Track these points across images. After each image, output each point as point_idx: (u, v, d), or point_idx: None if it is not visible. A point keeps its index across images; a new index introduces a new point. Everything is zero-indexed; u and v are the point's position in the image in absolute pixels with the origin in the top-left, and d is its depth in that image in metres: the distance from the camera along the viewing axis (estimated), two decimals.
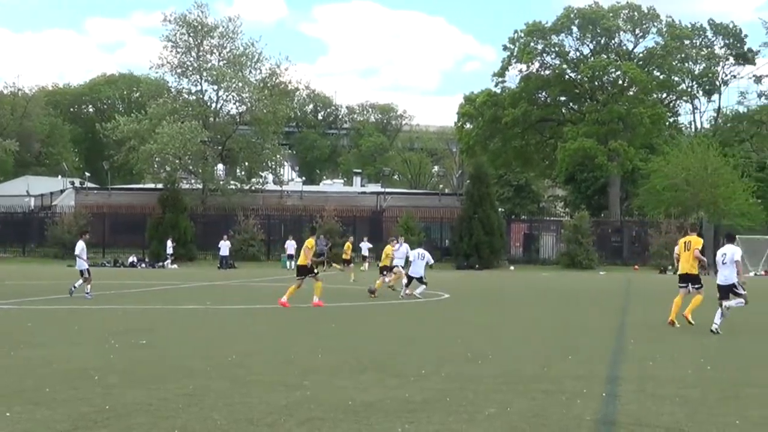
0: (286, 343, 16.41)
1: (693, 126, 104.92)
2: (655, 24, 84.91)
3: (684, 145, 78.11)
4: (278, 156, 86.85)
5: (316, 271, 26.06)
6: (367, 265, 60.99)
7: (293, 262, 60.40)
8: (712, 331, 19.21)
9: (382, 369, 12.80)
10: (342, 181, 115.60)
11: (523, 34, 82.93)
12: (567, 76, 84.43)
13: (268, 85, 79.67)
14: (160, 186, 74.14)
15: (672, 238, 66.64)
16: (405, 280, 30.61)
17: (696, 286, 21.50)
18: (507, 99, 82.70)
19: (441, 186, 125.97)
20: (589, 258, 67.54)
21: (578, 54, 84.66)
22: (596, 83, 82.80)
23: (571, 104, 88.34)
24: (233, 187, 78.68)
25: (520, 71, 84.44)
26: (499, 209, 76.76)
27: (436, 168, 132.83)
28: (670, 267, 65.20)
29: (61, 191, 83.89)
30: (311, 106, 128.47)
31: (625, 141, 78.97)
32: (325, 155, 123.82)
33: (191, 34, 77.06)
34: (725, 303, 19.89)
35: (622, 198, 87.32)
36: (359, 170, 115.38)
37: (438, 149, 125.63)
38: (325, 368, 12.81)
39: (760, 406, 10.25)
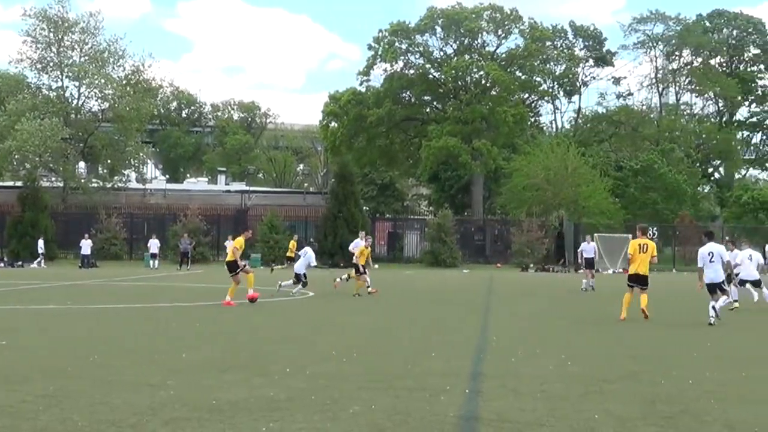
0: (150, 343, 16.17)
1: (554, 126, 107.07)
2: (518, 25, 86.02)
3: (545, 144, 79.46)
4: (141, 154, 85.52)
5: (243, 264, 26.14)
6: None
7: (156, 261, 59.80)
8: (710, 324, 20.48)
9: (247, 368, 12.72)
10: (206, 179, 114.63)
11: (387, 34, 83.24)
12: (431, 76, 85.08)
13: (132, 81, 78.48)
14: (19, 184, 72.47)
15: (533, 237, 68.01)
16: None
17: (643, 286, 22.13)
18: (372, 98, 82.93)
19: (306, 185, 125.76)
20: (453, 256, 68.24)
21: (442, 54, 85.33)
22: (460, 83, 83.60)
23: (435, 103, 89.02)
24: (95, 185, 77.40)
25: (385, 70, 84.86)
26: (364, 208, 76.98)
27: (301, 166, 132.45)
28: (531, 265, 66.51)
29: None
30: (175, 103, 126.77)
31: (488, 140, 79.92)
32: (190, 153, 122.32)
33: (52, 29, 75.38)
34: (712, 303, 20.95)
35: (485, 197, 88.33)
36: (224, 169, 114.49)
37: (303, 148, 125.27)
38: (189, 368, 12.68)
39: (619, 401, 10.46)
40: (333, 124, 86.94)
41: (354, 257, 32.88)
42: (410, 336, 18.17)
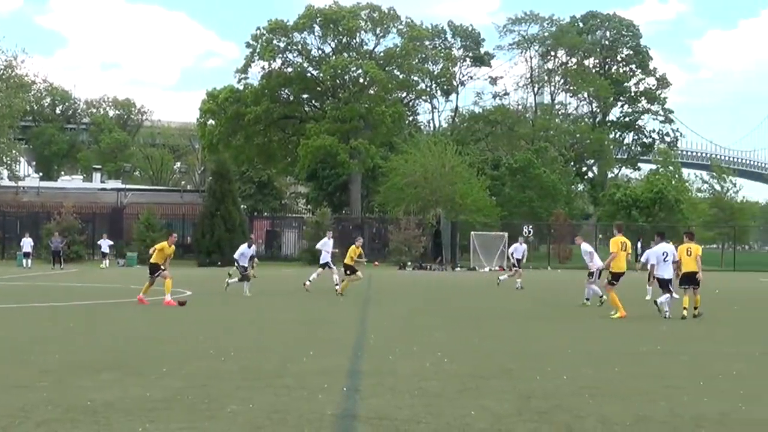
0: (22, 344, 15.82)
1: (432, 125, 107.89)
2: (396, 25, 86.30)
3: (423, 143, 79.98)
4: (14, 151, 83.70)
5: (162, 267, 25.69)
6: (107, 262, 59.82)
7: (29, 260, 58.58)
8: (666, 317, 22.03)
9: (123, 368, 12.54)
10: (81, 177, 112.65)
11: (265, 32, 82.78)
12: (309, 74, 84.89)
13: (3, 77, 76.75)
14: None
15: (411, 235, 68.33)
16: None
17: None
18: (250, 96, 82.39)
19: (183, 183, 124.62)
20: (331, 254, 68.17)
21: (320, 52, 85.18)
22: (338, 82, 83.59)
23: (313, 102, 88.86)
24: None
25: (263, 68, 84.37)
26: (242, 206, 76.51)
27: (178, 164, 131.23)
28: (409, 263, 66.87)
29: None
30: (49, 99, 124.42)
31: (366, 139, 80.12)
32: (64, 150, 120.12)
33: None
34: (663, 299, 22.48)
35: (363, 195, 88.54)
36: (99, 166, 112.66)
37: (180, 146, 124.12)
38: (63, 368, 12.46)
39: (495, 397, 10.60)
40: (210, 122, 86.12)
41: (321, 257, 34.12)
42: (289, 334, 18.15)
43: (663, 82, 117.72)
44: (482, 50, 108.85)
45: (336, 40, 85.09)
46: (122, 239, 67.57)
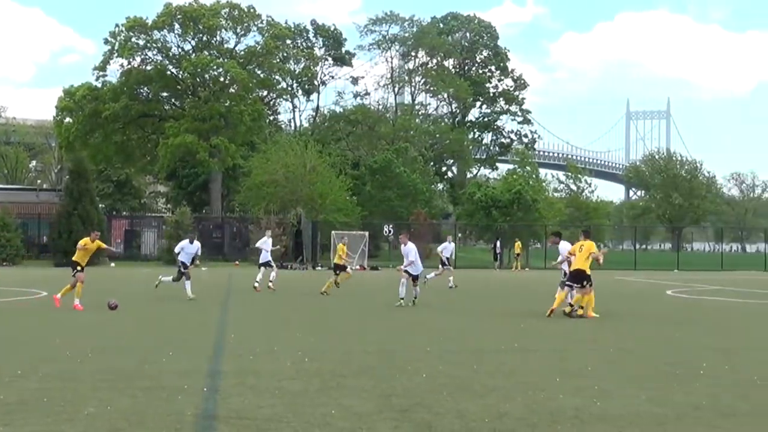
0: None
1: (293, 124, 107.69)
2: (256, 23, 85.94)
3: (284, 142, 79.88)
4: None
5: (79, 268, 24.94)
6: None
7: None
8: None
9: None
10: None
11: (124, 29, 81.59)
12: (169, 73, 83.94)
13: None
14: None
15: (272, 234, 68.05)
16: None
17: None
18: (108, 93, 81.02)
19: (39, 182, 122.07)
20: None
21: (181, 51, 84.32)
22: (198, 80, 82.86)
23: (173, 100, 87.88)
24: None
25: (122, 66, 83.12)
26: (100, 205, 75.34)
27: (33, 163, 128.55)
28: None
29: None
30: None
31: (227, 138, 79.57)
32: None
33: None
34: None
35: (223, 194, 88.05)
36: None
37: (36, 144, 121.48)
38: None
39: (356, 396, 10.68)
40: (67, 119, 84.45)
41: (261, 255, 35.28)
42: (148, 335, 18.00)
43: (520, 83, 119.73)
44: (344, 50, 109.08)
45: (196, 38, 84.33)
46: None
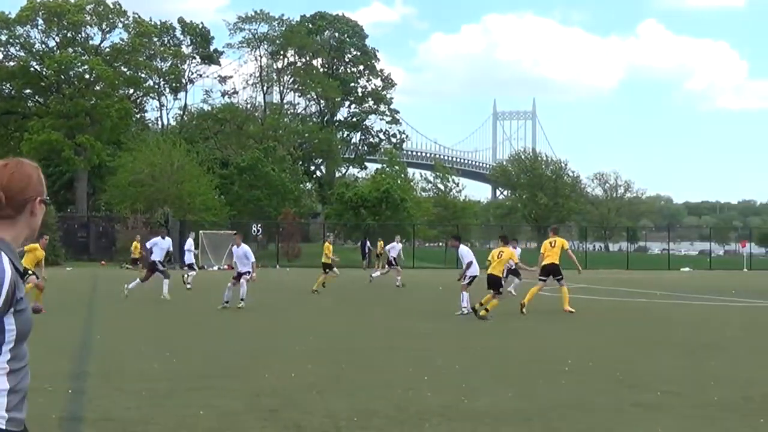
0: None
1: (160, 122, 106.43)
2: (122, 20, 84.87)
3: (151, 141, 78.98)
4: None
5: (31, 272, 23.95)
6: None
7: None
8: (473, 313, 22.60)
9: None
10: None
11: None
12: (33, 69, 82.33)
13: None
14: None
15: (138, 233, 67.24)
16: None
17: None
18: None
19: None
20: (56, 254, 66.40)
21: (44, 47, 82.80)
22: (63, 77, 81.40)
23: (36, 97, 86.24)
24: None
25: None
26: None
27: None
28: (138, 262, 65.81)
29: None
30: None
31: (93, 135, 78.39)
32: None
33: None
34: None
35: (89, 193, 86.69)
36: None
37: None
38: None
39: (224, 396, 10.68)
40: None
41: (186, 257, 36.73)
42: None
43: (389, 83, 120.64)
44: (212, 48, 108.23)
45: (60, 35, 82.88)
46: None
